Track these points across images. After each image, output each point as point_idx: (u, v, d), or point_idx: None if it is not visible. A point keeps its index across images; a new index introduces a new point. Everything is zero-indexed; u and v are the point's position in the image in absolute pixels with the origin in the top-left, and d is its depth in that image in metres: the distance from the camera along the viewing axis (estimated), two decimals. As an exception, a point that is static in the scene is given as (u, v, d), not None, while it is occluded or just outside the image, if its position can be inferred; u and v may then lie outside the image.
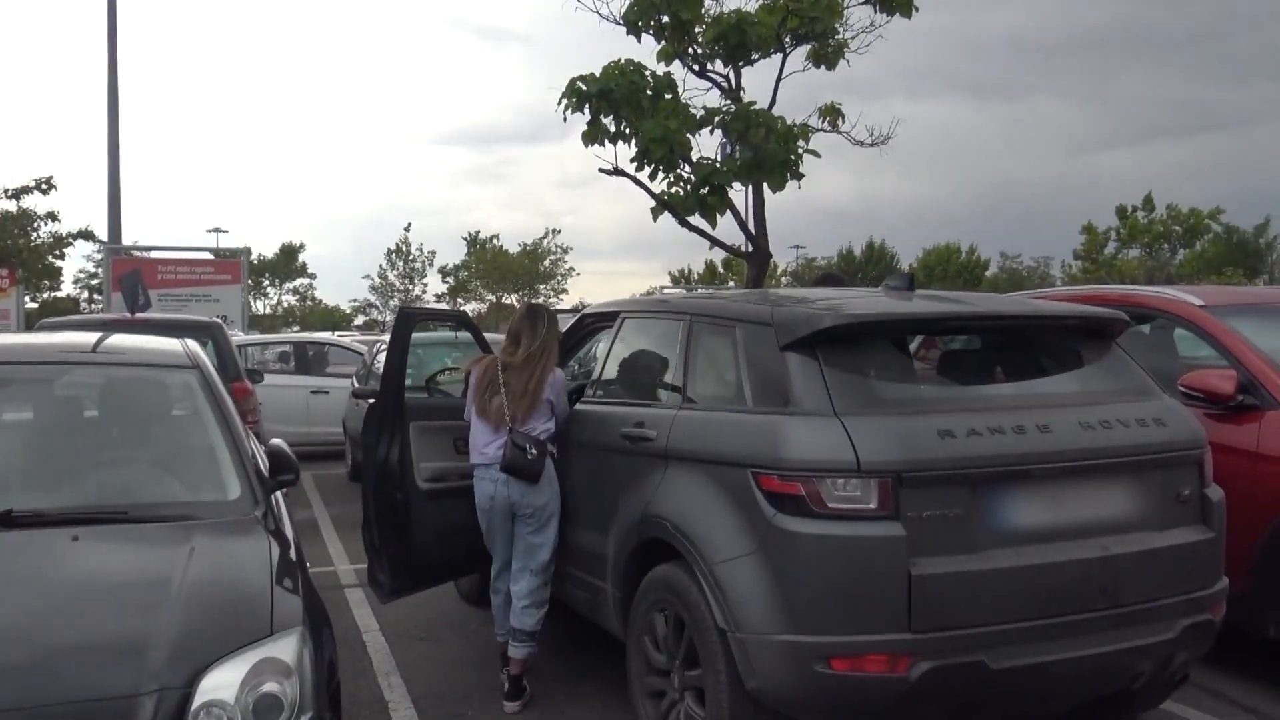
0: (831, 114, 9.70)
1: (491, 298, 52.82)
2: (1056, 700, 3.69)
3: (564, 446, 4.91)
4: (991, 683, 3.35)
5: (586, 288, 60.91)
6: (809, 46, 10.14)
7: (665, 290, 28.93)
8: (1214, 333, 5.31)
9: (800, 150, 8.57)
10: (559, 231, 57.25)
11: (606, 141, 9.16)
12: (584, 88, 8.36)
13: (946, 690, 3.35)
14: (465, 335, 5.91)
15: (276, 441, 3.99)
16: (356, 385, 11.30)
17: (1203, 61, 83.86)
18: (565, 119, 9.07)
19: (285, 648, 2.79)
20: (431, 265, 54.92)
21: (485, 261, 53.37)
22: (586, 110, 8.51)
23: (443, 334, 9.66)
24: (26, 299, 35.51)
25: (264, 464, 3.91)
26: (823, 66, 10.25)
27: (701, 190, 8.47)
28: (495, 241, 54.66)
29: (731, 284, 49.20)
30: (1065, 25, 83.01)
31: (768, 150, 8.32)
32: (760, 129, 8.23)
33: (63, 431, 4.02)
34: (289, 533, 3.69)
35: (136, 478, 3.73)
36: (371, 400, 9.92)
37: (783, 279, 50.29)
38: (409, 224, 62.71)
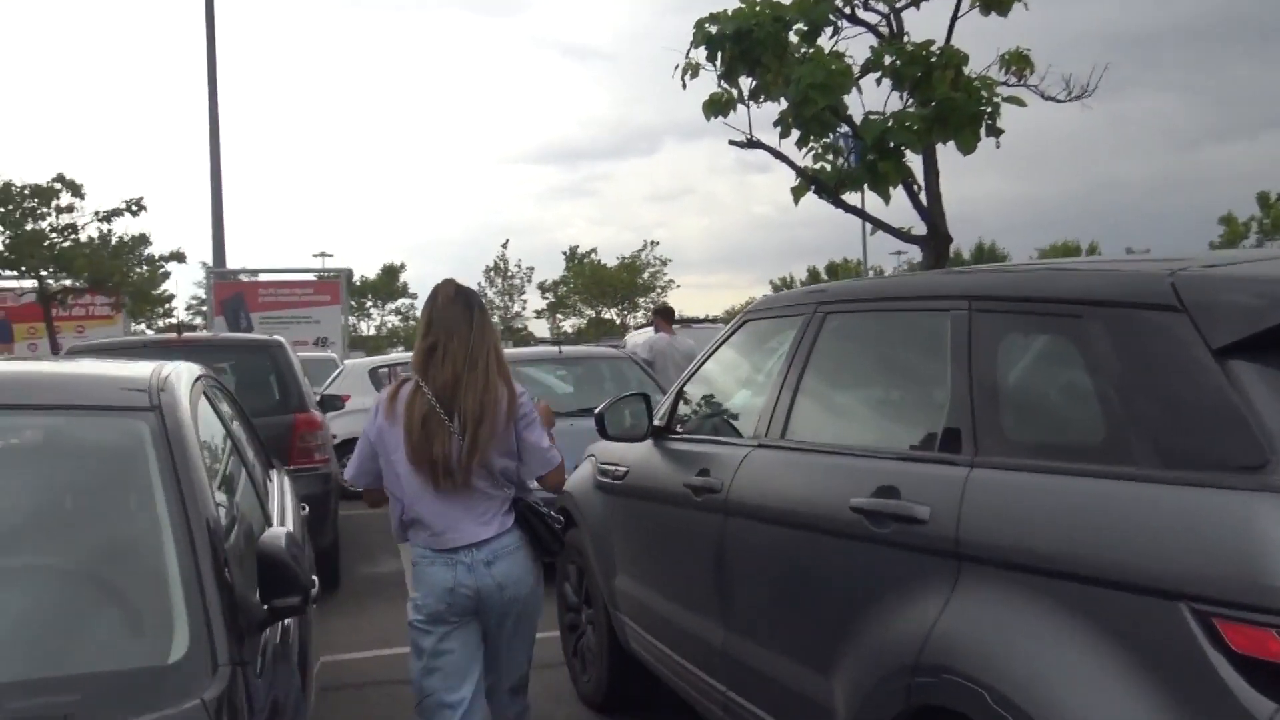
0: (1018, 62, 7.70)
1: (591, 312, 51.72)
2: None
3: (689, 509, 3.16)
4: None
5: (683, 301, 59.21)
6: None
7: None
8: None
9: (997, 99, 6.60)
10: (657, 243, 55.96)
11: (738, 107, 7.43)
12: (713, 30, 6.56)
13: None
14: None
15: (274, 534, 2.29)
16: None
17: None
18: (685, 85, 7.35)
19: None
20: (530, 281, 54.27)
21: (584, 276, 52.39)
22: (717, 62, 6.70)
23: None
24: (142, 326, 35.37)
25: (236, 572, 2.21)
26: (992, 13, 8.35)
27: (869, 156, 6.58)
28: (593, 256, 53.67)
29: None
30: (1158, 18, 78.24)
31: (955, 101, 6.39)
32: (948, 72, 6.30)
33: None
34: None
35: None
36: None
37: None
38: (506, 241, 62.10)
